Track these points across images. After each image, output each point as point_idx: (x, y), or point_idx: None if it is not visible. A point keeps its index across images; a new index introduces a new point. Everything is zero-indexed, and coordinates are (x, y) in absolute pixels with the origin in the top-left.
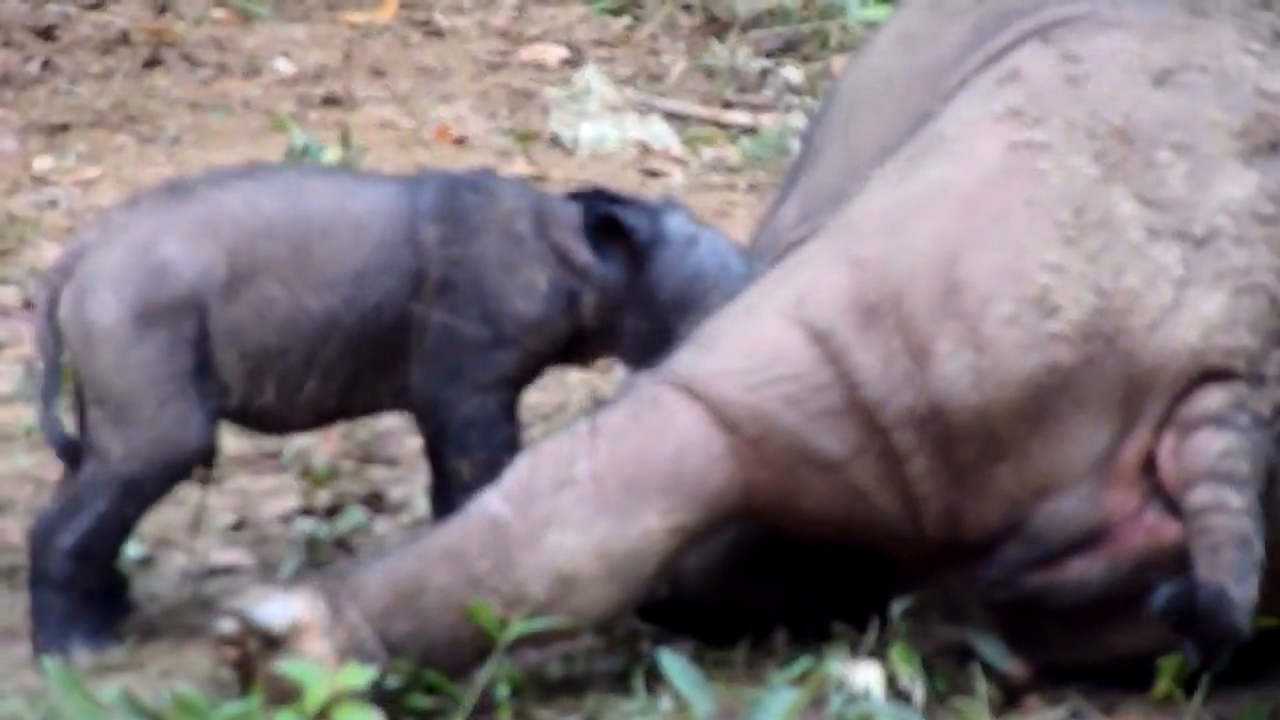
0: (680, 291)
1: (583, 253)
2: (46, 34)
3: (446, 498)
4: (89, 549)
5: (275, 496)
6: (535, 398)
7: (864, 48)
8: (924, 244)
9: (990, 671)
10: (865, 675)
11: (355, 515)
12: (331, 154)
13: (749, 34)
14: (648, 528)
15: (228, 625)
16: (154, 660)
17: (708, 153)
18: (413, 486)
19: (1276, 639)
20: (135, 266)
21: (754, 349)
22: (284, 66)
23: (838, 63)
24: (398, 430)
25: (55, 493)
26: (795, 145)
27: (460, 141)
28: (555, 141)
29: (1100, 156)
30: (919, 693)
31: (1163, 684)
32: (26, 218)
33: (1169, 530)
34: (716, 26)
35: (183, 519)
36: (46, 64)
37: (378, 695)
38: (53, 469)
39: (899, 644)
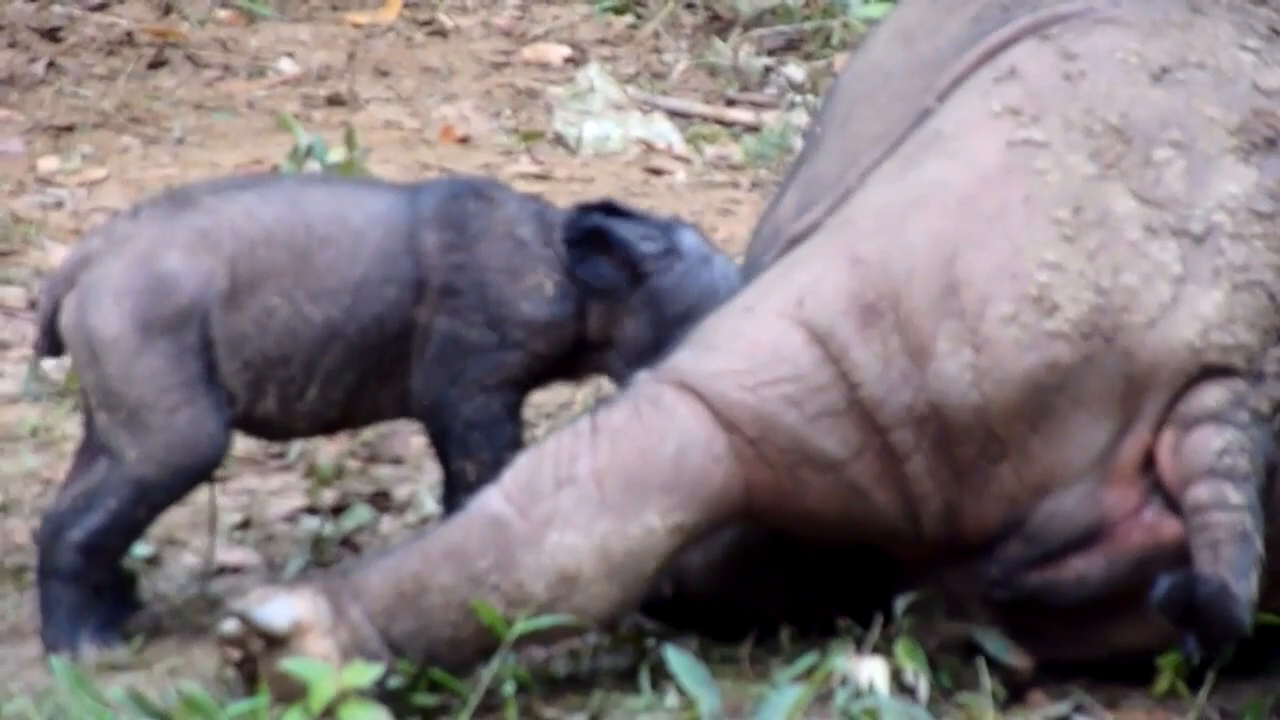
0: (691, 307)
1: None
2: (51, 35)
3: (456, 499)
4: (98, 545)
5: (281, 496)
6: (539, 396)
7: (864, 41)
8: (922, 243)
9: (995, 666)
10: (870, 671)
11: (361, 514)
12: (336, 154)
13: (751, 32)
14: (649, 527)
15: (230, 625)
16: (161, 659)
17: (710, 151)
18: (418, 485)
19: (1278, 634)
20: (137, 278)
21: (754, 349)
22: (288, 67)
23: (840, 60)
24: (403, 429)
25: (62, 491)
26: (798, 143)
27: (464, 141)
28: (559, 140)
29: (1098, 154)
30: (924, 688)
31: (1165, 679)
32: (31, 218)
33: (1169, 527)
34: (719, 25)
35: (189, 518)
36: (51, 65)
37: (382, 694)
38: (59, 469)
39: (903, 639)
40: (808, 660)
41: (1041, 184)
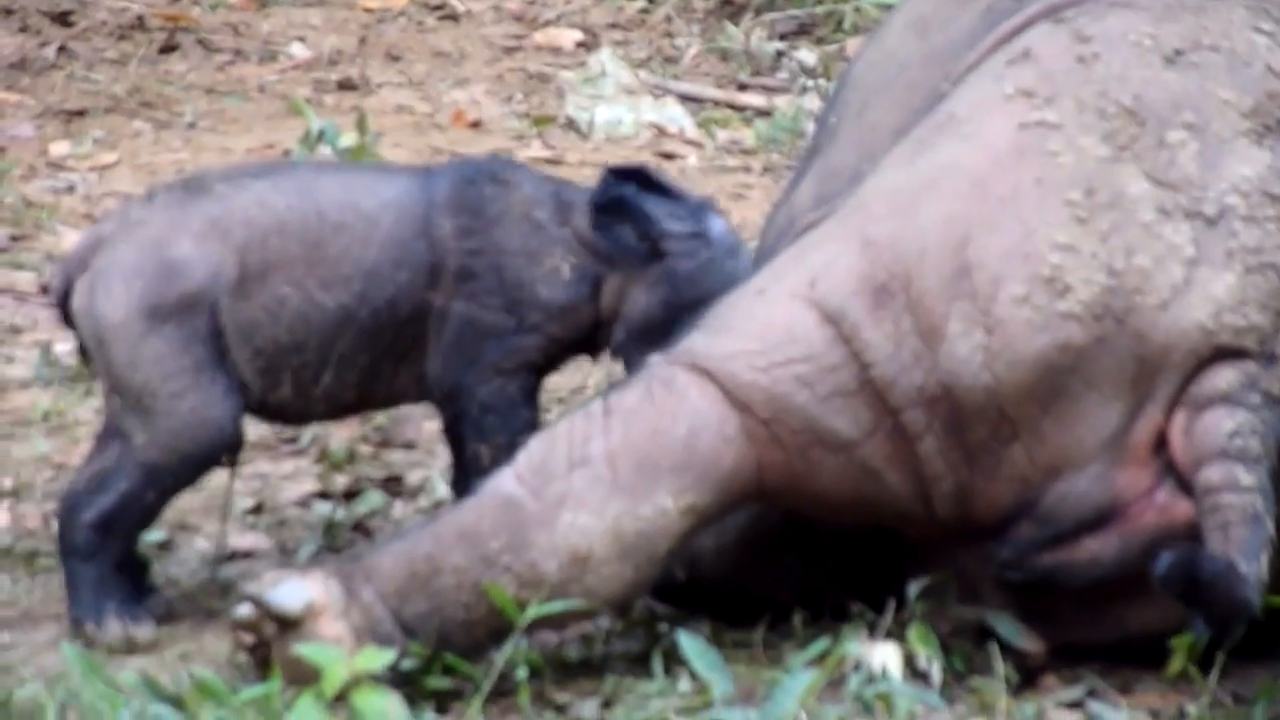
0: (710, 294)
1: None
2: (63, 20)
3: (468, 484)
4: (110, 523)
5: (293, 481)
6: (553, 380)
7: (877, 31)
8: (935, 225)
9: (1008, 651)
10: (883, 655)
11: (373, 499)
12: (347, 139)
13: (763, 16)
14: (661, 508)
15: (243, 609)
16: (173, 643)
17: (722, 135)
18: (430, 470)
19: None
20: (147, 264)
21: (766, 330)
22: (300, 51)
23: (852, 45)
24: (415, 414)
25: (80, 471)
26: (810, 127)
27: (476, 125)
28: (570, 125)
29: (1111, 136)
30: (937, 672)
31: (1177, 662)
32: (43, 203)
33: (1180, 509)
34: (731, 9)
35: (202, 503)
36: (63, 50)
37: (395, 677)
38: (71, 454)
39: (916, 624)
40: (820, 645)
41: (1054, 166)
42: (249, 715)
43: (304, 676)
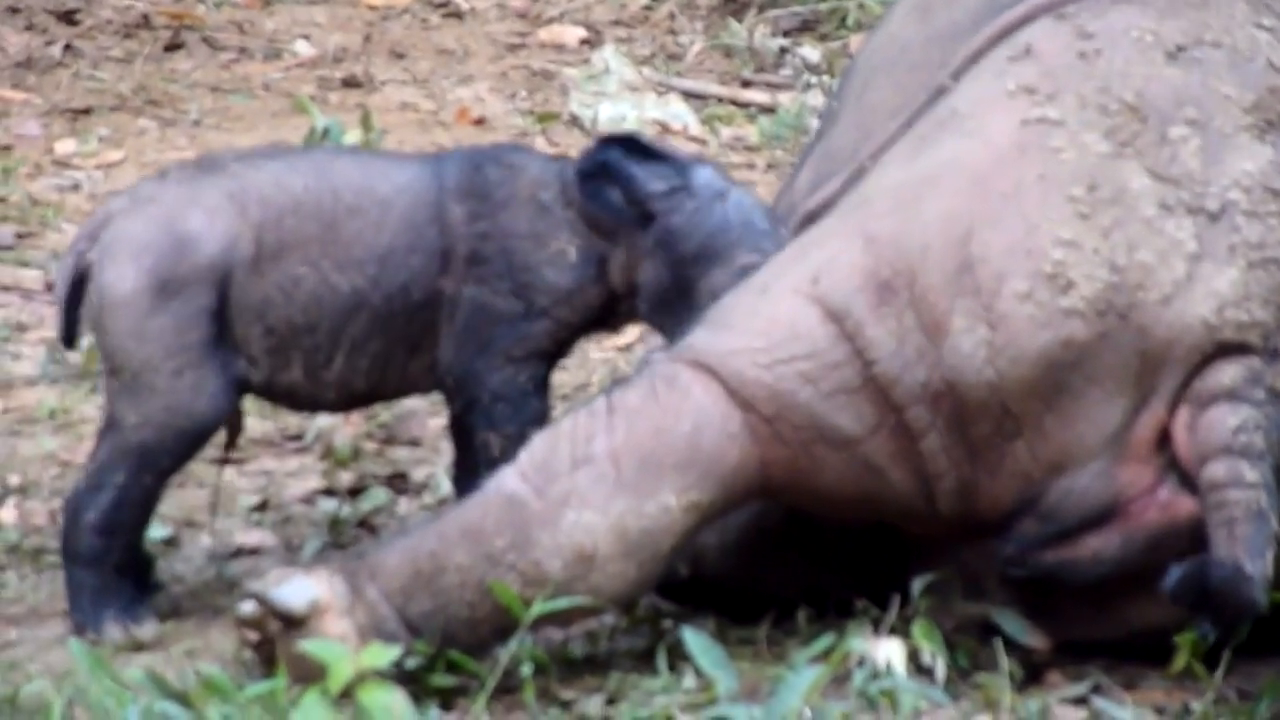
0: (703, 245)
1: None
2: (68, 18)
3: (470, 478)
4: (113, 523)
5: (298, 477)
6: (557, 378)
7: (883, 17)
8: (937, 221)
9: (1012, 647)
10: (887, 652)
11: (378, 496)
12: (352, 136)
13: (767, 13)
14: (664, 505)
15: (248, 607)
16: (179, 641)
17: (726, 132)
18: (435, 467)
19: None
20: (158, 237)
21: (770, 327)
22: (304, 49)
23: (855, 41)
24: (420, 411)
25: (83, 471)
26: (814, 124)
27: (480, 123)
28: (574, 122)
29: (1113, 132)
30: (941, 669)
31: (1181, 659)
32: (49, 201)
33: (1184, 505)
34: (734, 6)
35: (206, 500)
36: (68, 48)
37: (400, 674)
38: (77, 451)
39: (921, 620)
40: (825, 641)
41: (1056, 162)
42: (255, 712)
43: (309, 673)
